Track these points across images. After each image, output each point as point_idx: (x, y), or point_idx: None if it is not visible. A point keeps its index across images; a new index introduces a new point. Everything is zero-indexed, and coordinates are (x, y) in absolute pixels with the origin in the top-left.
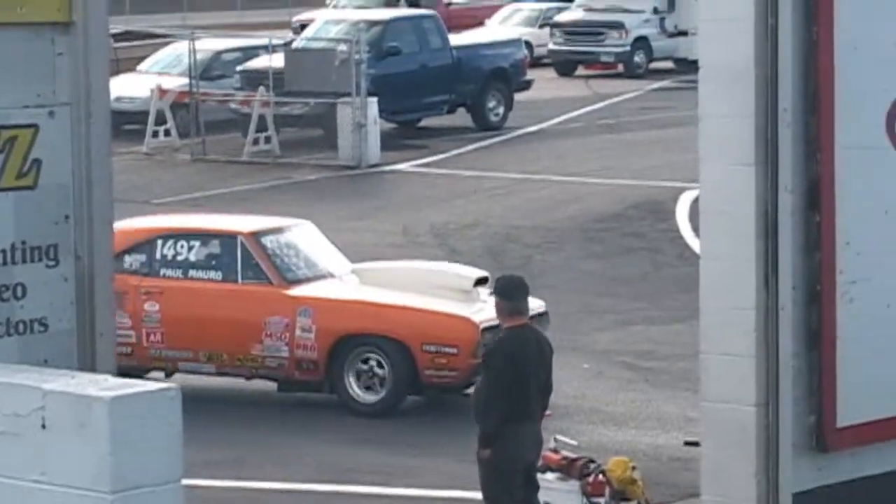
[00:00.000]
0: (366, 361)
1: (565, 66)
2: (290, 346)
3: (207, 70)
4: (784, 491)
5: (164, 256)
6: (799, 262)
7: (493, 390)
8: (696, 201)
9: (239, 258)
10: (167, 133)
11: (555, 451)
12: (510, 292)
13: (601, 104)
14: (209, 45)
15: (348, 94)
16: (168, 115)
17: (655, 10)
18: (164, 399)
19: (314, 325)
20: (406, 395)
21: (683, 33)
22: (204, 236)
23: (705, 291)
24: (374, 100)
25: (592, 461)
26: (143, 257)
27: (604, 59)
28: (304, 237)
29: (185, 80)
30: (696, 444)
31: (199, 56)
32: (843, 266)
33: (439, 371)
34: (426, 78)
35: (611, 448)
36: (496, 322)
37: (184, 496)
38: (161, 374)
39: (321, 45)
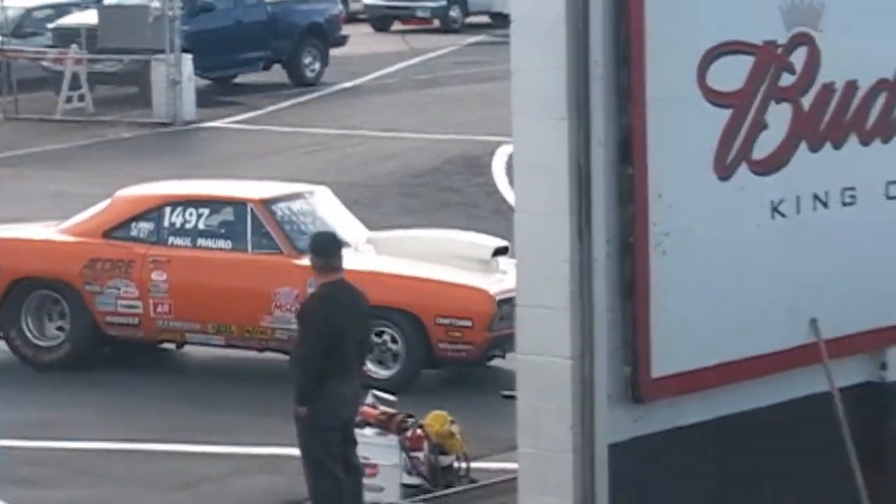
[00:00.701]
0: (378, 335)
1: (381, 22)
2: None
3: (19, 27)
4: (600, 442)
5: (172, 224)
6: (612, 215)
7: (309, 347)
8: (512, 155)
9: (249, 226)
10: None
11: (373, 406)
12: (323, 249)
13: (417, 59)
14: (20, 1)
15: (162, 51)
16: None
17: None
18: None
19: None
20: (420, 370)
21: None
22: (214, 203)
23: (520, 245)
24: (189, 56)
25: (411, 416)
26: (150, 225)
27: (420, 14)
28: (318, 204)
29: None
30: (513, 397)
31: (9, 13)
32: (656, 218)
33: (454, 345)
34: (241, 34)
35: (429, 402)
36: (514, 293)
37: None
38: (171, 347)
39: (134, 1)
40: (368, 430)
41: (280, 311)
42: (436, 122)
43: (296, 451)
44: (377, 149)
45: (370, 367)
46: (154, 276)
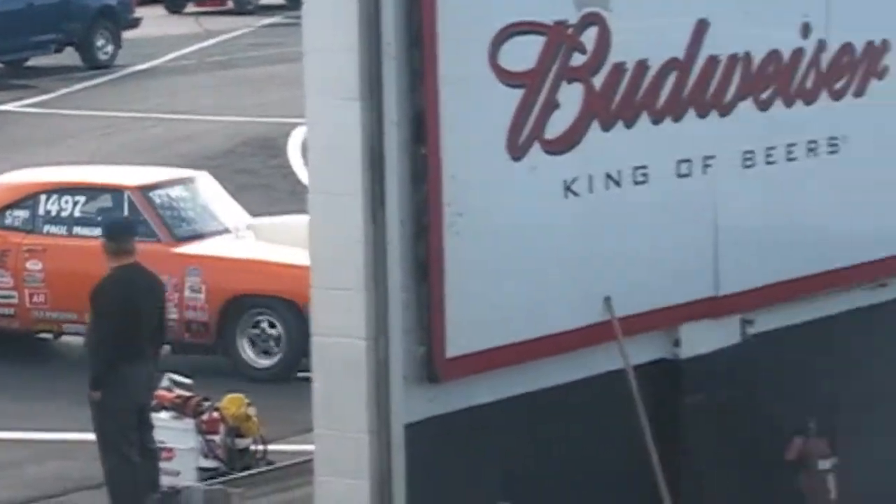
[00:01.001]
0: (259, 323)
1: (175, 4)
2: (179, 307)
3: None
4: (396, 422)
5: (47, 212)
6: (406, 196)
7: (102, 331)
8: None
9: (126, 214)
10: None
11: (168, 389)
12: (115, 232)
13: (212, 41)
14: None
15: None
16: None
17: None
18: None
19: (204, 284)
20: (302, 359)
21: None
22: (90, 191)
23: (314, 226)
24: None
25: (207, 399)
26: (25, 213)
27: None
28: (198, 190)
29: None
30: (309, 378)
31: None
32: (449, 198)
33: None
34: (32, 16)
35: (226, 385)
36: None
37: None
38: (48, 337)
39: None
40: (164, 414)
41: None
42: (231, 104)
43: (91, 436)
44: (172, 131)
45: (251, 355)
46: (29, 265)
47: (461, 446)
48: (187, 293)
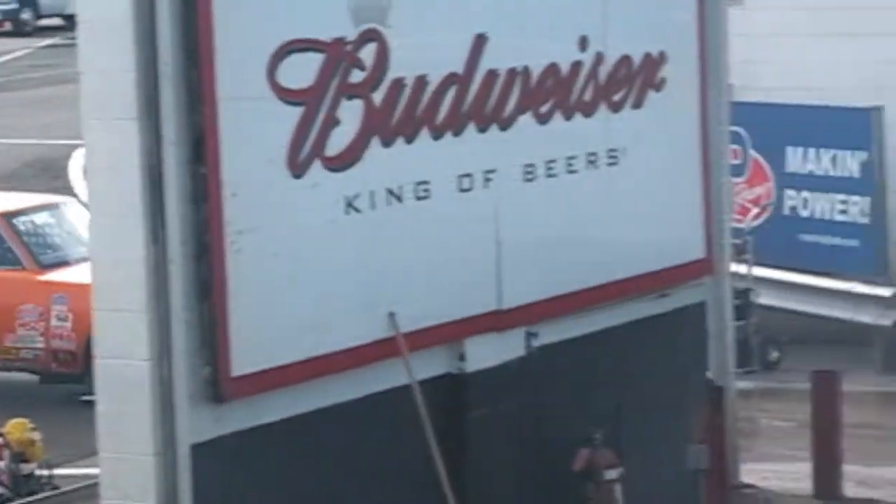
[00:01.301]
0: None
1: None
2: (45, 335)
3: None
4: (182, 443)
5: None
6: (187, 215)
7: None
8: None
9: None
10: None
11: None
12: None
13: None
14: None
15: None
16: None
17: None
18: None
19: (70, 312)
20: None
21: None
22: None
23: (95, 248)
24: None
25: None
26: None
27: None
28: (64, 216)
29: None
30: (93, 401)
31: None
32: (230, 217)
33: None
34: None
35: (9, 410)
36: None
37: None
38: None
39: None
40: None
41: (24, 329)
42: (11, 126)
43: None
44: None
45: None
46: None
47: (249, 465)
48: (53, 322)
